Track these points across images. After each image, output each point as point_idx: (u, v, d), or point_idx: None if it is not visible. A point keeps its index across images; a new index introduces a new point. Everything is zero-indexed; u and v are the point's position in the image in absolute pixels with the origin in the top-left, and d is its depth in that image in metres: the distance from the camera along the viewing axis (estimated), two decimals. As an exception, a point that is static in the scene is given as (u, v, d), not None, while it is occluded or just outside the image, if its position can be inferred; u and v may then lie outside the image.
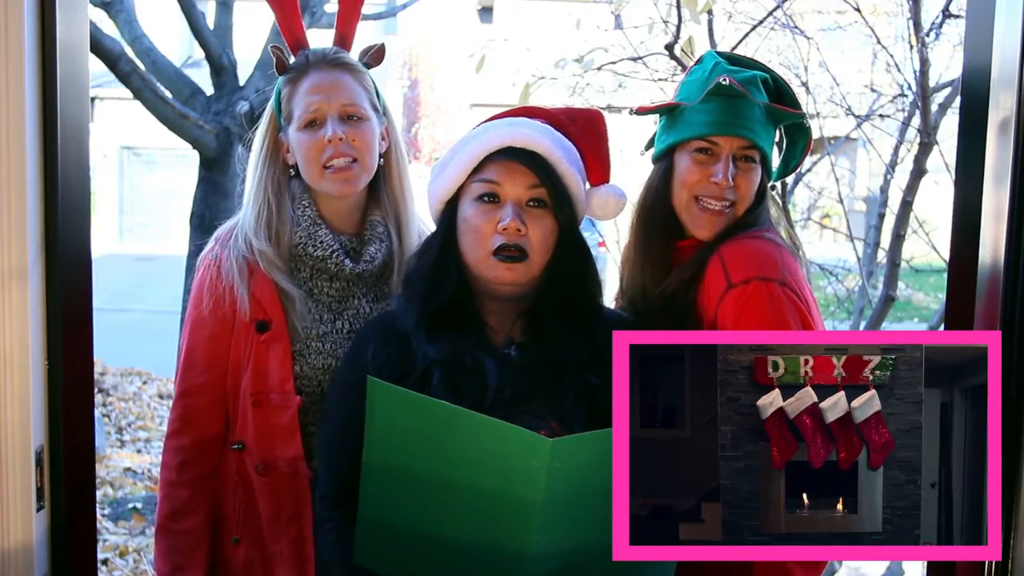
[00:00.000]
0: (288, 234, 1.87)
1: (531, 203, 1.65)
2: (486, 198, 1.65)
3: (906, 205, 3.62)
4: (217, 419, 1.89)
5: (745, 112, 1.77)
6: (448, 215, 1.70)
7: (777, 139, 1.90)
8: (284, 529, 1.85)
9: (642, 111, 1.94)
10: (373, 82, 1.92)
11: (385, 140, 1.92)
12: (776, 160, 1.92)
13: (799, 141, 1.92)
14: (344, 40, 1.93)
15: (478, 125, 1.77)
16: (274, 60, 1.90)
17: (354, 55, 1.94)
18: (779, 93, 1.86)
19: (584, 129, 1.76)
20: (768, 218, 1.86)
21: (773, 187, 1.95)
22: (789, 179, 4.01)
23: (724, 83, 1.76)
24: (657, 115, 1.90)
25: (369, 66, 1.93)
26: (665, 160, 1.84)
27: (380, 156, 1.91)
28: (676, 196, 1.82)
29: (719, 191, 1.77)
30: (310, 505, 1.83)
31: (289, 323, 1.85)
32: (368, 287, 1.92)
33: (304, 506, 1.84)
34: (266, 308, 1.84)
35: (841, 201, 4.21)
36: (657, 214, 1.85)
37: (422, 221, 2.02)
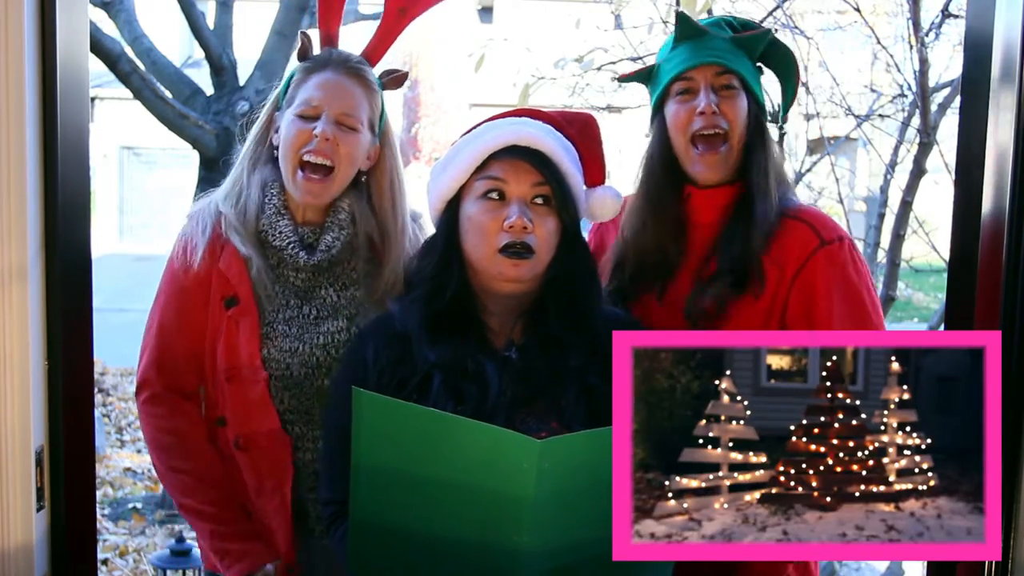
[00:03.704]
0: (255, 211, 1.90)
1: (536, 200, 1.66)
2: (492, 194, 1.65)
3: (906, 205, 3.62)
4: (192, 378, 1.92)
5: (712, 45, 1.87)
6: (450, 215, 1.70)
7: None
8: (268, 499, 1.87)
9: (623, 78, 2.06)
10: (383, 104, 1.94)
11: (370, 159, 1.93)
12: (771, 108, 2.01)
13: (788, 75, 1.99)
14: (371, 57, 1.97)
15: (476, 126, 1.78)
16: (299, 44, 1.93)
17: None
18: (744, 27, 1.95)
19: (580, 132, 1.78)
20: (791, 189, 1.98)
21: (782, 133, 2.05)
22: (791, 176, 4.01)
23: (683, 14, 1.88)
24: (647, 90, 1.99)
25: (385, 87, 1.96)
26: (658, 117, 1.93)
27: (364, 173, 1.93)
28: (675, 144, 1.89)
29: (707, 120, 1.84)
30: (291, 472, 1.86)
31: (256, 297, 1.87)
32: (333, 276, 1.93)
33: (286, 473, 1.86)
34: (234, 284, 1.87)
35: (841, 201, 4.21)
36: (660, 158, 1.92)
37: (421, 228, 2.03)
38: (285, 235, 1.89)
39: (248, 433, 1.87)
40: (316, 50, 1.94)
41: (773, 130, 1.98)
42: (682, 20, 1.89)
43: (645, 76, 1.97)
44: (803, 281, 1.83)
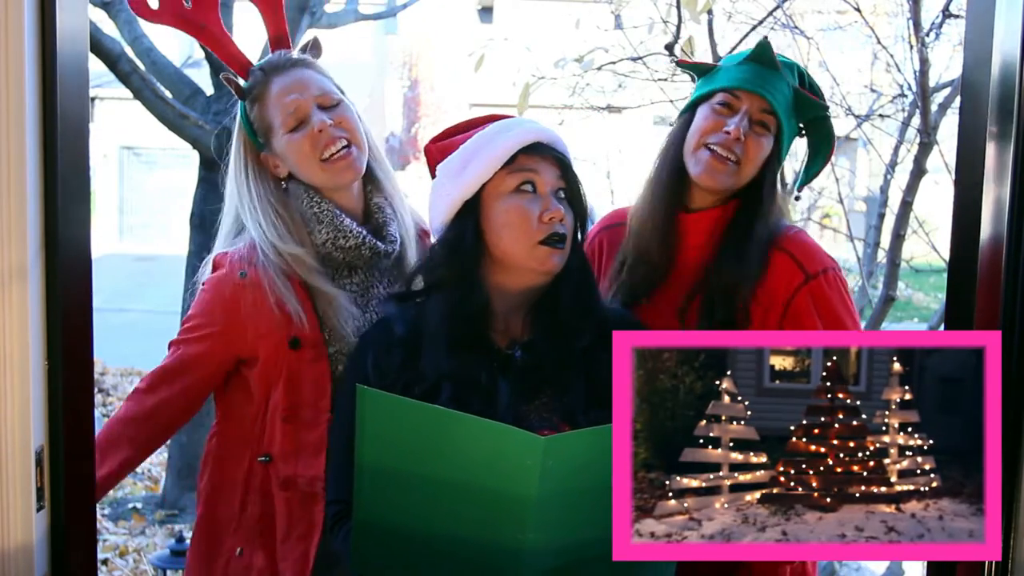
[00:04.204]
0: (311, 235, 1.87)
1: (559, 194, 1.69)
2: (525, 187, 1.67)
3: (906, 205, 3.62)
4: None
5: (774, 82, 1.86)
6: (472, 215, 1.69)
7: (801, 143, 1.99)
8: (293, 546, 1.85)
9: (682, 63, 2.09)
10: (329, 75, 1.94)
11: None
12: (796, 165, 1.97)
13: (822, 150, 1.98)
14: (281, 41, 1.95)
15: (461, 129, 1.78)
16: (232, 89, 1.91)
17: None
18: (810, 87, 1.94)
19: None
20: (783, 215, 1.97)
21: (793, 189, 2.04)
22: (789, 179, 4.02)
23: (766, 43, 1.87)
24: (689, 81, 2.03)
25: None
26: (688, 114, 1.93)
27: None
28: (687, 142, 1.89)
29: (728, 142, 1.84)
30: (320, 526, 1.83)
31: (327, 335, 1.84)
32: (383, 272, 1.93)
33: (315, 526, 1.84)
34: (299, 325, 1.84)
35: (841, 201, 4.21)
36: (670, 163, 1.92)
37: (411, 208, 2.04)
38: (355, 232, 1.87)
39: (292, 475, 1.85)
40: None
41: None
42: (763, 47, 1.87)
43: (703, 70, 1.97)
44: (790, 322, 1.85)
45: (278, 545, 1.87)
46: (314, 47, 1.95)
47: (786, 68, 1.89)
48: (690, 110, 1.93)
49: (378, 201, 1.94)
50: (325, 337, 1.84)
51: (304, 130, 1.83)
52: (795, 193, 2.00)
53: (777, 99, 1.86)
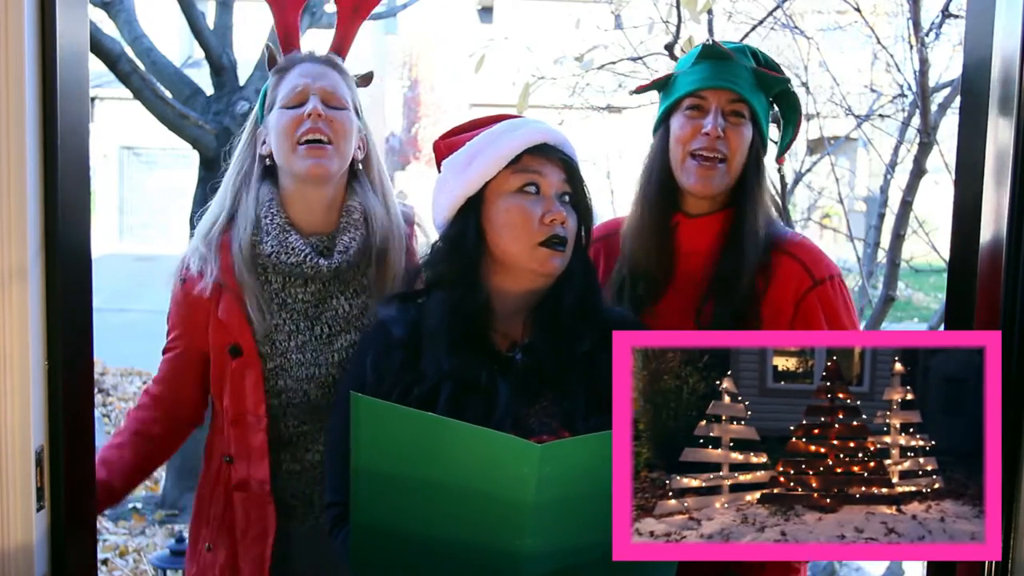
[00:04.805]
0: (249, 232, 1.88)
1: (563, 196, 1.68)
2: (529, 188, 1.66)
3: (906, 205, 3.62)
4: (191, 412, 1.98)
5: (732, 71, 1.89)
6: (474, 213, 1.69)
7: (773, 119, 2.01)
8: (250, 546, 1.89)
9: (640, 89, 2.08)
10: (356, 96, 1.94)
11: (362, 149, 1.92)
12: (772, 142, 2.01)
13: (791, 120, 2.01)
14: (290, 40, 1.97)
15: (466, 128, 1.78)
16: (267, 56, 1.94)
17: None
18: (766, 65, 1.96)
19: None
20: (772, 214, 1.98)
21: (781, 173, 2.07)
22: (789, 179, 4.02)
23: (709, 43, 1.90)
24: (657, 94, 2.01)
25: (357, 85, 1.97)
26: (662, 128, 1.95)
27: (359, 163, 1.92)
28: (672, 155, 1.91)
29: (710, 142, 1.86)
30: (274, 528, 1.88)
31: (259, 343, 1.87)
32: (344, 283, 1.91)
33: (268, 529, 1.88)
34: (235, 333, 1.87)
35: (841, 201, 4.21)
36: (657, 176, 1.94)
37: (413, 217, 2.03)
38: (298, 248, 1.86)
39: (246, 477, 1.89)
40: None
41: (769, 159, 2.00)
42: (712, 50, 1.89)
43: (661, 84, 1.99)
44: (800, 324, 1.88)
45: (238, 543, 1.90)
46: (363, 80, 1.98)
47: (739, 53, 1.92)
48: (662, 124, 1.94)
49: (351, 204, 1.91)
50: (257, 345, 1.87)
51: (297, 111, 1.84)
52: (779, 168, 2.03)
53: (741, 85, 1.88)
